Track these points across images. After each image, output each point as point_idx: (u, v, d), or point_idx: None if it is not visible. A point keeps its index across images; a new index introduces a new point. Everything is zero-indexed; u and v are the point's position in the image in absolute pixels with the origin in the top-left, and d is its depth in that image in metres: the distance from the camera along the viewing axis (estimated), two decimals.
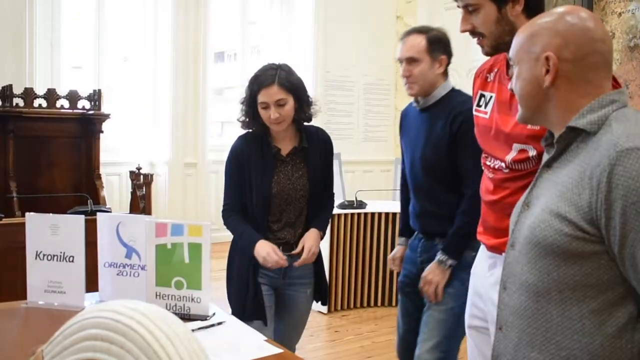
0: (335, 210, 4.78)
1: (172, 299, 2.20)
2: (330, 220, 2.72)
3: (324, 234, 2.59)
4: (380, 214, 4.89)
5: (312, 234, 2.50)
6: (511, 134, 1.84)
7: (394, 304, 4.92)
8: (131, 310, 1.17)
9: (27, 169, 4.53)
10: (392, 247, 4.81)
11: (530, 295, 1.33)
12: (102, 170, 6.05)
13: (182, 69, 6.61)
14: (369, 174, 7.64)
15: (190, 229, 2.17)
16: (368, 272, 4.91)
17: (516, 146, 1.83)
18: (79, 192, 4.39)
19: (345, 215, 4.81)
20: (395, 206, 5.09)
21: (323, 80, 7.50)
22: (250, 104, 2.47)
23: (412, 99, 2.59)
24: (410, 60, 2.42)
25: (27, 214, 2.28)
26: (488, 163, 1.97)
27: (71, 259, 2.24)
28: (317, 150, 2.55)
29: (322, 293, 2.66)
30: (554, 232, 1.27)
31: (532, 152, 1.80)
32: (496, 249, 1.92)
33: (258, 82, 2.42)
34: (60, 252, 2.25)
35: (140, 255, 2.26)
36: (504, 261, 1.46)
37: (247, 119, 2.51)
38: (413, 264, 2.57)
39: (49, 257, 2.25)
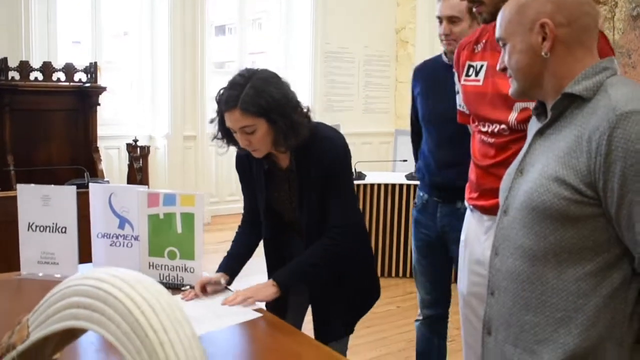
0: None
1: (165, 269, 2.19)
2: (320, 269, 2.08)
3: (290, 284, 2.05)
4: (379, 185, 4.86)
5: (261, 284, 2.04)
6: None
7: (393, 274, 4.93)
8: (113, 278, 1.15)
9: (25, 142, 4.52)
10: (392, 218, 4.83)
11: (525, 260, 1.34)
12: (102, 144, 6.05)
13: (179, 42, 6.55)
14: (369, 145, 7.59)
15: (183, 199, 2.15)
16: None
17: (518, 105, 1.86)
18: (77, 165, 4.37)
19: None
20: (395, 177, 5.07)
21: (322, 52, 7.42)
22: (221, 122, 2.02)
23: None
24: (451, 19, 2.41)
25: (18, 185, 2.26)
26: (484, 129, 2.00)
27: (63, 229, 2.23)
28: (308, 173, 2.05)
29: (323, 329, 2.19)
30: (552, 196, 1.28)
31: None
32: (495, 210, 1.94)
33: (222, 102, 1.96)
34: (53, 223, 2.24)
35: (133, 226, 2.25)
36: (496, 227, 1.47)
37: (222, 137, 2.08)
38: (430, 229, 2.58)
39: (42, 229, 2.24)
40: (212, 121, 2.07)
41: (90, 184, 2.29)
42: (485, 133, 1.99)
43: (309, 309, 2.24)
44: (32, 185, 2.25)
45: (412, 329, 3.87)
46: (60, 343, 1.49)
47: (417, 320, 2.81)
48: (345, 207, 2.09)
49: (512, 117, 1.88)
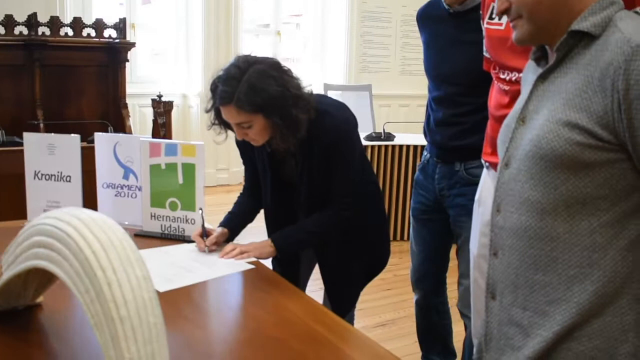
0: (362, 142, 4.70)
1: (166, 220, 2.19)
2: (318, 238, 2.06)
3: (287, 249, 2.03)
4: (408, 146, 4.78)
5: (260, 242, 2.02)
6: None
7: None
8: (71, 217, 1.14)
9: (55, 97, 4.55)
10: None
11: (533, 214, 1.25)
12: (136, 102, 6.10)
13: (213, 2, 6.53)
14: (405, 108, 7.46)
15: (184, 149, 2.14)
16: (394, 206, 4.84)
17: None
18: (107, 121, 4.39)
19: (372, 147, 4.72)
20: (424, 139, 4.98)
21: (359, 12, 7.27)
22: (217, 112, 1.95)
23: None
24: None
25: (24, 133, 2.27)
26: (502, 76, 1.91)
27: (68, 178, 2.24)
28: (311, 150, 1.96)
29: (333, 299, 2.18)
30: (563, 142, 1.18)
31: None
32: None
33: (216, 96, 1.88)
34: (58, 172, 2.25)
35: (138, 176, 2.25)
36: (497, 182, 1.36)
37: (218, 124, 2.00)
38: (428, 191, 2.47)
39: (47, 177, 2.26)
40: (207, 111, 1.97)
41: (95, 133, 2.29)
42: (503, 80, 1.90)
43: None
44: (38, 134, 2.26)
45: None
46: (40, 286, 1.50)
47: (414, 297, 2.66)
48: (350, 180, 2.01)
49: None
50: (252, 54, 1.90)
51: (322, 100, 2.00)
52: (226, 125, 1.98)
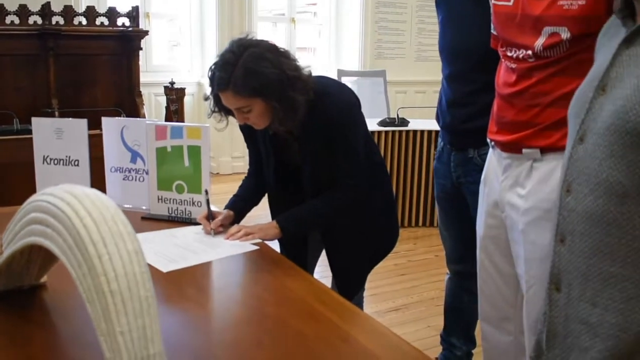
0: (375, 128, 4.68)
1: (173, 203, 2.19)
2: (324, 220, 2.06)
3: (292, 230, 2.02)
4: (422, 131, 4.75)
5: (265, 223, 2.02)
6: (542, 17, 1.71)
7: (435, 224, 4.84)
8: (64, 193, 1.14)
9: (70, 86, 4.59)
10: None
11: (612, 197, 1.08)
12: (152, 91, 6.13)
13: None
14: (422, 94, 7.41)
15: (189, 132, 2.14)
16: (409, 192, 4.82)
17: (547, 30, 1.70)
18: (122, 109, 4.42)
19: (386, 132, 4.70)
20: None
21: None
22: (217, 98, 1.92)
23: None
24: None
25: (33, 118, 2.29)
26: (509, 54, 1.87)
27: (76, 162, 2.25)
28: (314, 132, 1.95)
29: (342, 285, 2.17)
30: None
31: (565, 35, 1.66)
32: (513, 147, 1.82)
33: (214, 83, 1.85)
34: (66, 156, 2.26)
35: (145, 160, 2.25)
36: (569, 159, 1.20)
37: (219, 110, 1.97)
38: (446, 179, 2.44)
39: (56, 161, 2.27)
40: (206, 98, 1.96)
41: (103, 118, 2.30)
42: (510, 58, 1.85)
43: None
44: (46, 118, 2.27)
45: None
46: (44, 265, 1.52)
47: (447, 274, 2.66)
48: (355, 161, 1.99)
49: (539, 42, 1.72)
50: (248, 37, 1.88)
51: (322, 82, 1.97)
52: (227, 112, 1.96)
